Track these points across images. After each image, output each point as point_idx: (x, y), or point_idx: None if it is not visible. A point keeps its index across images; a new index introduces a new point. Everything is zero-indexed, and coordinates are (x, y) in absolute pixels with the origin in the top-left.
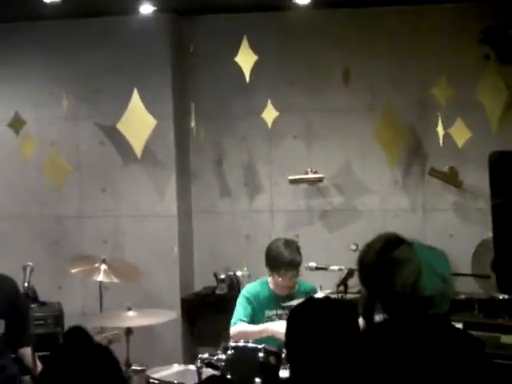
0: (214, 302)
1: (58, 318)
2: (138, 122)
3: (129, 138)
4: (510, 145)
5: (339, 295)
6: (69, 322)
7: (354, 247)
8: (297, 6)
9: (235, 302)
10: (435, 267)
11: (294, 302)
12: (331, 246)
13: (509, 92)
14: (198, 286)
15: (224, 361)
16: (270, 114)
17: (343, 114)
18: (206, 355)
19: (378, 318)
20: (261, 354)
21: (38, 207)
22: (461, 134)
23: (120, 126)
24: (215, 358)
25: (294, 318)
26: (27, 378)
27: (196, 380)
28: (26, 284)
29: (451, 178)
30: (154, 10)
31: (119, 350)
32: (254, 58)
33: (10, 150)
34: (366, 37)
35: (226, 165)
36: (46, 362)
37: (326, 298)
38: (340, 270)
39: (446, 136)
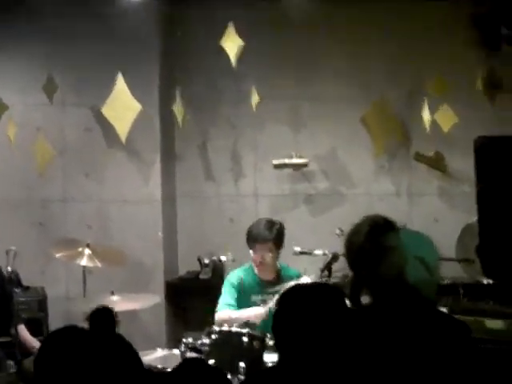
0: (197, 287)
1: (42, 302)
2: (123, 106)
3: (113, 122)
4: (496, 130)
5: (323, 280)
6: (52, 307)
7: (338, 232)
8: None
9: (219, 286)
10: (421, 255)
11: (279, 288)
12: (316, 231)
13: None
14: (182, 270)
15: (208, 345)
16: (254, 99)
17: (331, 101)
18: (190, 340)
19: (364, 300)
20: (245, 339)
21: (23, 191)
22: (447, 119)
23: (104, 110)
24: (199, 342)
25: (283, 303)
26: (11, 362)
27: None
28: (10, 268)
29: (436, 163)
30: None
31: None
32: (240, 42)
33: None
34: (355, 25)
35: (210, 149)
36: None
37: (314, 283)
38: (324, 254)
39: (433, 121)
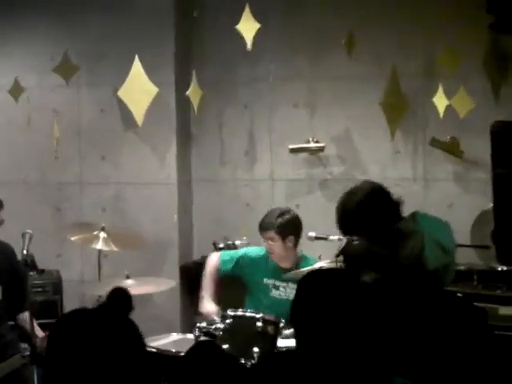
0: None
1: (57, 285)
2: (139, 89)
3: (129, 105)
4: None
5: (339, 265)
6: (67, 290)
7: None
8: None
9: None
10: (439, 240)
11: (292, 275)
12: (331, 216)
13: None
14: (197, 254)
15: (222, 330)
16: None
17: (345, 82)
18: (203, 324)
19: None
20: (259, 324)
21: (39, 174)
22: (464, 104)
23: (121, 94)
24: (213, 327)
25: (301, 289)
26: (25, 345)
27: None
28: (25, 251)
29: (452, 148)
30: None
31: None
32: (257, 25)
33: (12, 117)
34: (371, 4)
35: (226, 133)
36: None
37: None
38: (340, 239)
39: (449, 106)
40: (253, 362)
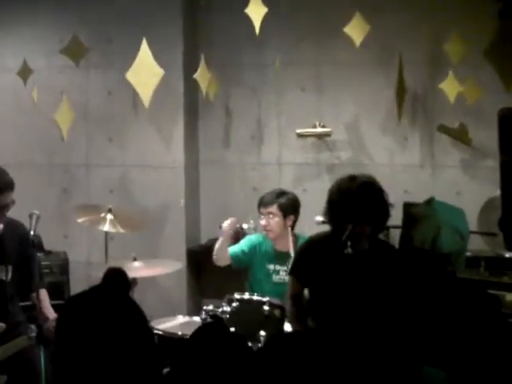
0: None
1: (64, 266)
2: (147, 72)
3: (137, 87)
4: None
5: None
6: (74, 272)
7: None
8: None
9: None
10: (457, 226)
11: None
12: None
13: None
14: (204, 238)
15: (229, 313)
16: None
17: (353, 67)
18: (210, 307)
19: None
20: (266, 308)
21: (46, 156)
22: (472, 92)
23: (128, 76)
24: (220, 310)
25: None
26: (33, 326)
27: None
28: (32, 232)
29: (460, 135)
30: None
31: None
32: (265, 9)
33: (20, 99)
34: None
35: (234, 116)
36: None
37: None
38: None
39: (458, 93)
40: (259, 345)
